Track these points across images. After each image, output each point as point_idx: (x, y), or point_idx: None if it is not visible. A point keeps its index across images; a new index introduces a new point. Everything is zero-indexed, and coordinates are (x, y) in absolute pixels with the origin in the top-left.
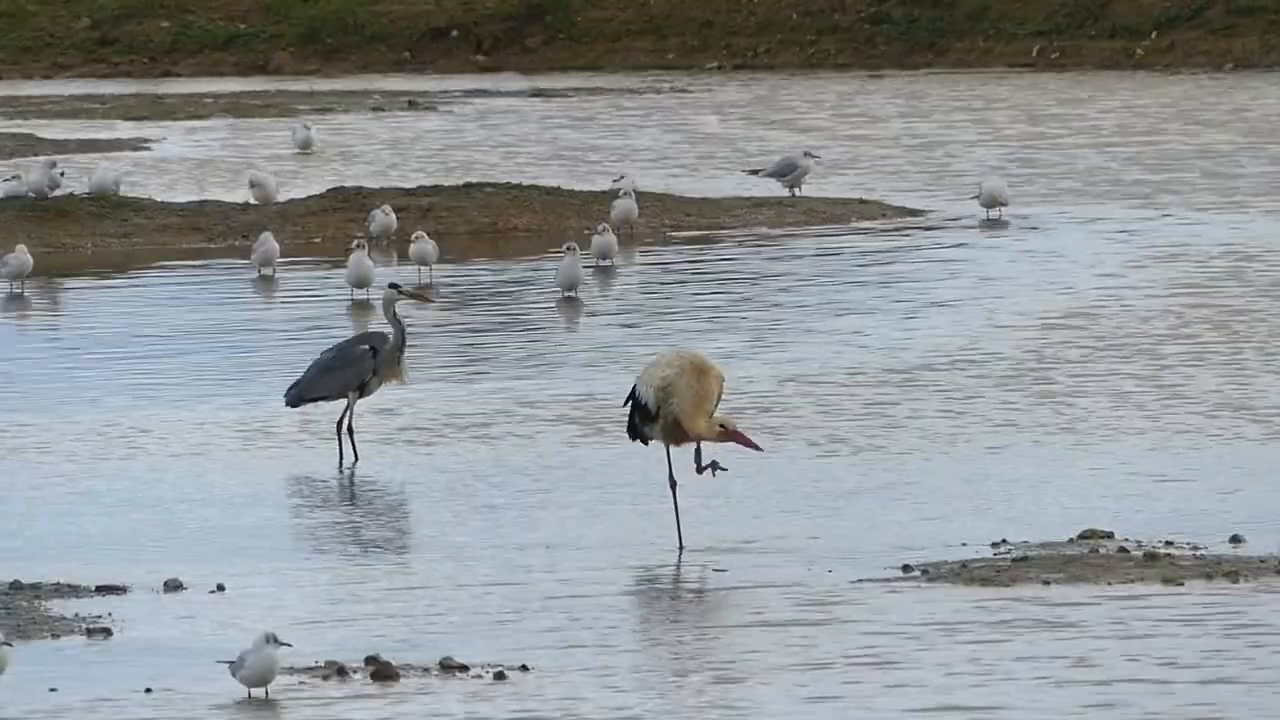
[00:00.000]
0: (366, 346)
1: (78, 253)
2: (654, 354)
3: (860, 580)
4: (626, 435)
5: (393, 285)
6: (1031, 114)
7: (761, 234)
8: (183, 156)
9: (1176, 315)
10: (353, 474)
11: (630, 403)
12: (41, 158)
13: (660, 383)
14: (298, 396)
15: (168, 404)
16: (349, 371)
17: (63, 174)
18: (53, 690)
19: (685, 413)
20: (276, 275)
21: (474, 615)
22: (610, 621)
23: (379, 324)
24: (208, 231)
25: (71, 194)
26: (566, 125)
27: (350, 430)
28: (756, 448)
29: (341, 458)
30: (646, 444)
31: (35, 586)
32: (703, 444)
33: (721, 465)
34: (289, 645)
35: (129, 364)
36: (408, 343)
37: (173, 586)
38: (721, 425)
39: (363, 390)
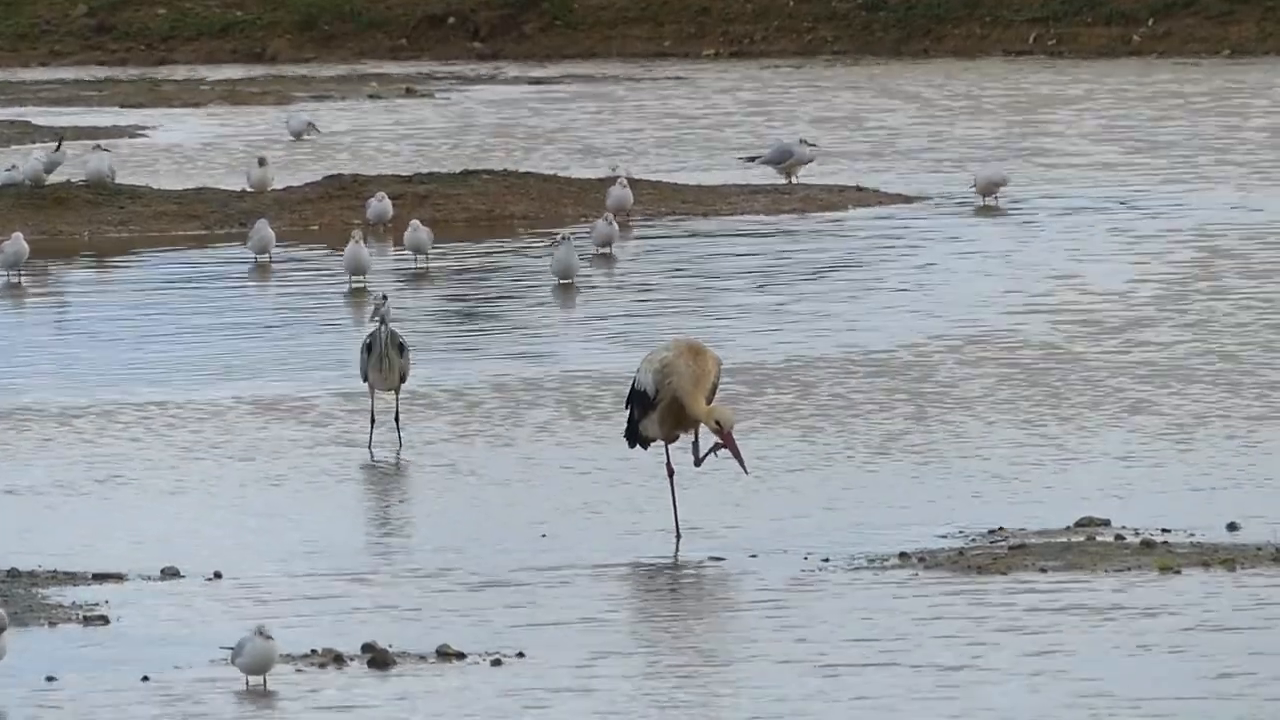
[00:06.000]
0: (366, 341)
1: (74, 240)
2: (651, 345)
3: (857, 568)
4: (626, 441)
5: (385, 296)
6: (1028, 100)
7: (758, 221)
8: (180, 143)
9: (1174, 299)
10: (349, 461)
11: (629, 402)
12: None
13: (659, 365)
14: None
15: (162, 390)
16: (359, 361)
17: (59, 147)
18: (50, 679)
19: (684, 390)
20: (273, 262)
21: (471, 602)
22: (607, 610)
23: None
24: (205, 219)
25: (69, 181)
26: (563, 112)
27: (372, 420)
28: (743, 467)
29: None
30: (646, 447)
31: (32, 574)
32: (699, 437)
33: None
34: (271, 639)
35: (124, 351)
36: (391, 349)
37: (170, 574)
38: (718, 422)
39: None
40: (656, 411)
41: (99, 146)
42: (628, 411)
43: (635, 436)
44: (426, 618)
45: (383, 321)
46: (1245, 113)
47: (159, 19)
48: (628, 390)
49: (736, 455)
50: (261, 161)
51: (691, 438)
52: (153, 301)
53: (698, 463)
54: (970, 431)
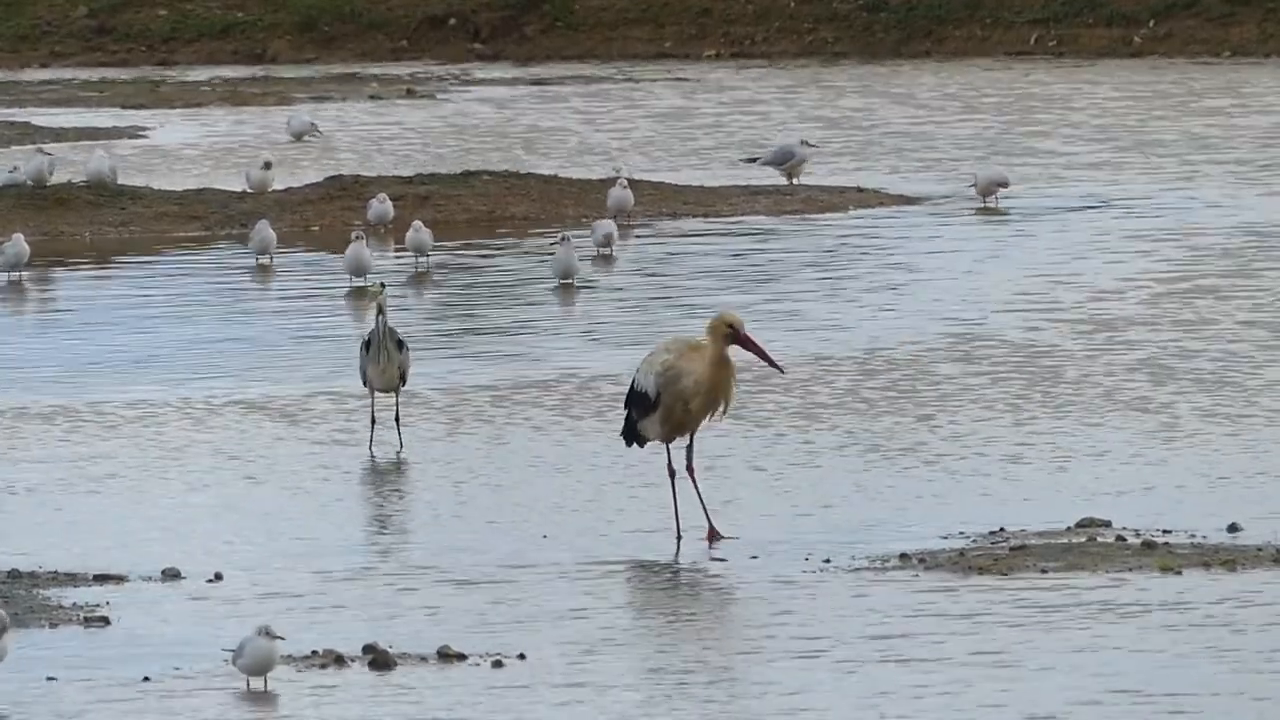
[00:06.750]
0: (365, 339)
1: (75, 241)
2: (648, 345)
3: (858, 569)
4: (623, 440)
5: (383, 284)
6: (1028, 101)
7: (758, 222)
8: (180, 144)
9: (1173, 299)
10: (350, 461)
11: (628, 403)
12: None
13: (661, 368)
14: None
15: (164, 391)
16: (359, 361)
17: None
18: (50, 679)
19: (706, 381)
20: (274, 263)
21: (472, 603)
22: (609, 610)
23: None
24: (205, 220)
25: (70, 182)
26: (564, 113)
27: (372, 420)
28: (776, 365)
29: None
30: (643, 445)
31: (33, 575)
32: (695, 441)
33: (722, 534)
34: (282, 638)
35: (125, 352)
36: (390, 343)
37: (171, 575)
38: (730, 325)
39: (365, 381)
40: (658, 413)
41: (101, 149)
42: (625, 412)
43: (632, 436)
44: (428, 618)
45: (380, 311)
46: (1243, 114)
47: (160, 20)
48: (626, 391)
49: (761, 354)
50: (267, 165)
51: (688, 441)
52: (154, 303)
53: (689, 468)
54: (970, 431)
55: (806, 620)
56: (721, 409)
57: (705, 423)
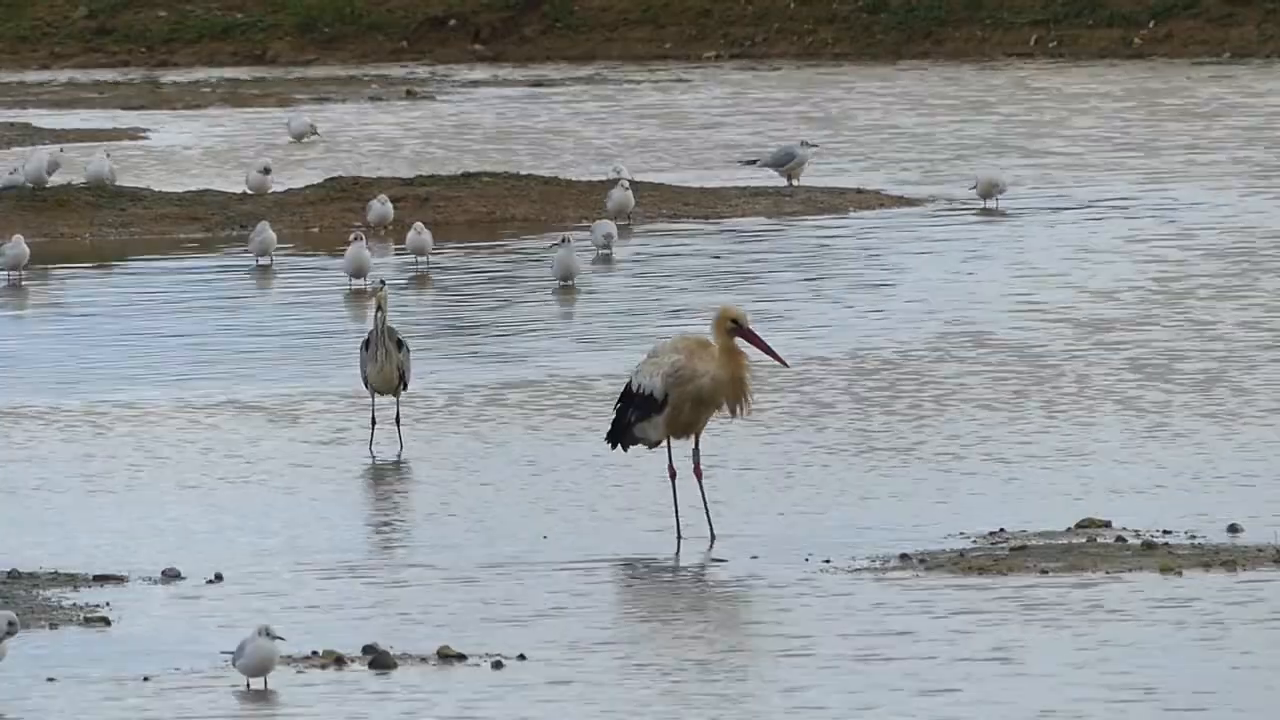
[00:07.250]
0: (365, 338)
1: (75, 242)
2: (649, 345)
3: (858, 570)
4: (607, 442)
5: (383, 281)
6: (1029, 102)
7: (758, 223)
8: (180, 145)
9: (1172, 301)
10: (349, 462)
11: (621, 404)
12: (40, 148)
13: (671, 368)
14: None
15: (163, 393)
16: (359, 360)
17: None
18: (50, 679)
19: (725, 375)
20: (274, 264)
21: (471, 604)
22: (608, 611)
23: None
24: (205, 221)
25: (70, 184)
26: (564, 114)
27: (373, 421)
28: (781, 360)
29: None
30: (626, 450)
31: (33, 575)
32: (699, 443)
33: (715, 535)
34: (282, 639)
35: (124, 353)
36: (390, 341)
37: (171, 576)
38: (735, 320)
39: (366, 382)
40: (664, 414)
41: (107, 154)
42: (615, 415)
43: (619, 438)
44: (427, 619)
45: (379, 308)
46: (1242, 116)
47: (160, 21)
48: (620, 393)
49: (765, 349)
50: (265, 170)
51: (693, 443)
52: (154, 304)
53: (696, 470)
54: (969, 432)
55: (806, 620)
56: (745, 403)
57: (716, 417)
